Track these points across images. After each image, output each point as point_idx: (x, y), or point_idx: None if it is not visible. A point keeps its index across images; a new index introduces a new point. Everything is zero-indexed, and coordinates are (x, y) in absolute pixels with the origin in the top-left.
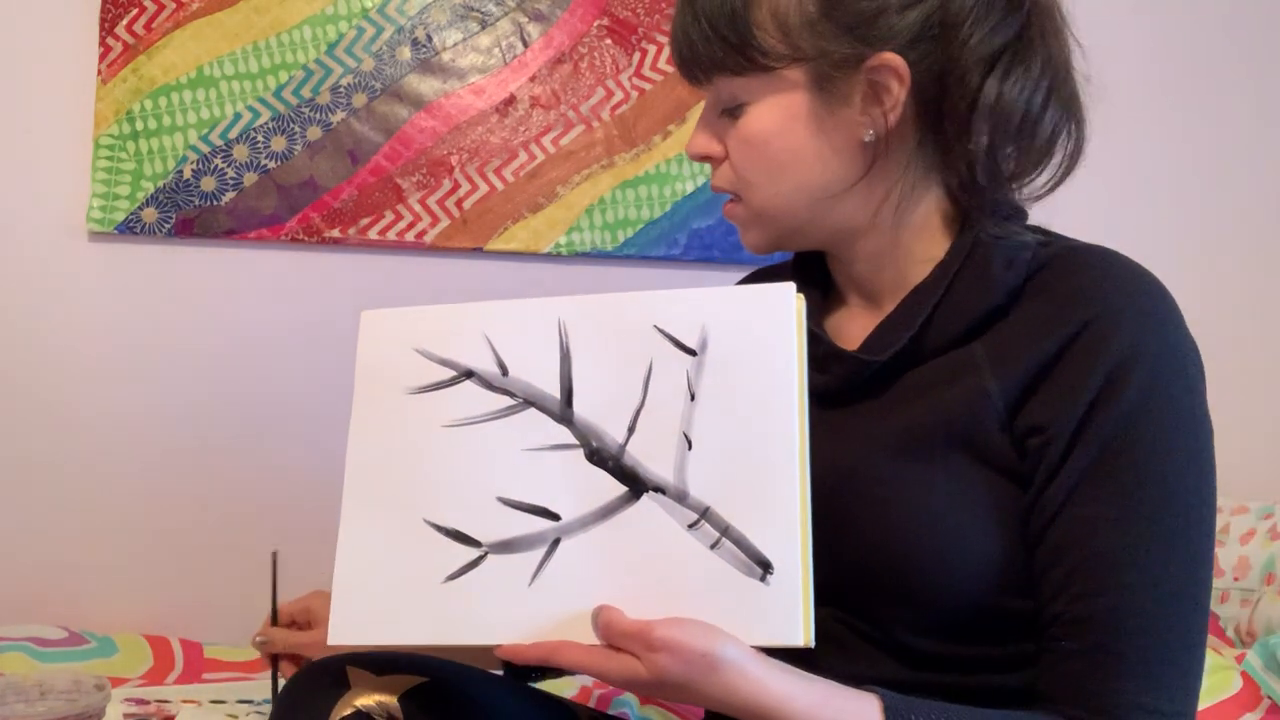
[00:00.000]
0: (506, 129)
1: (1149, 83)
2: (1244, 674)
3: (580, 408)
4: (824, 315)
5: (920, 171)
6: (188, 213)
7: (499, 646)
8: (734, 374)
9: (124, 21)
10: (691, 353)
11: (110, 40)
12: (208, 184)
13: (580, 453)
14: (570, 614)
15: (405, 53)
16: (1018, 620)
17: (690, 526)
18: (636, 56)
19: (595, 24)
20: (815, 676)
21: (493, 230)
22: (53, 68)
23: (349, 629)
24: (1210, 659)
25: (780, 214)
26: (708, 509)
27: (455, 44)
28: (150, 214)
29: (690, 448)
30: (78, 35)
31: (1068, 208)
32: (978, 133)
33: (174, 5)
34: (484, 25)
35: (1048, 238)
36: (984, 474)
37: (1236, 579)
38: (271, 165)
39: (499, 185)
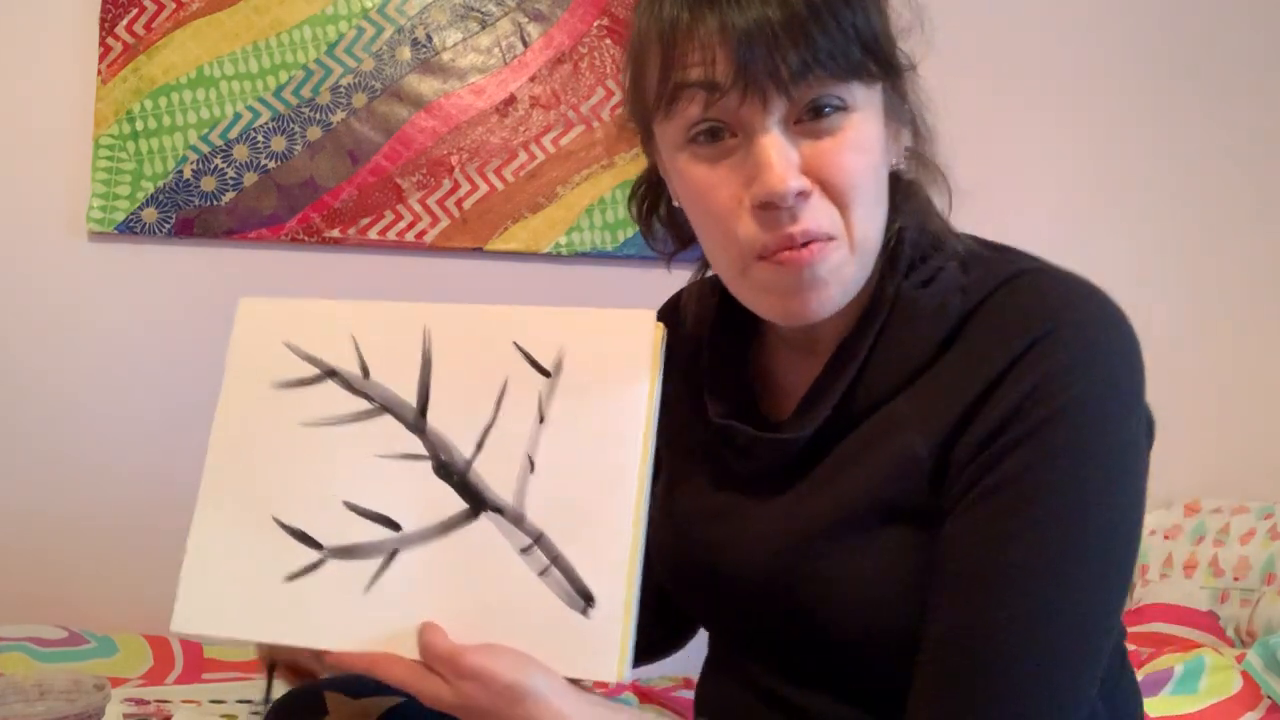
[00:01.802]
0: (506, 129)
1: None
2: (1244, 674)
3: (434, 419)
4: (761, 359)
5: None
6: (188, 213)
7: (328, 653)
8: (585, 401)
9: (124, 21)
10: (546, 374)
11: (110, 40)
12: (208, 184)
13: (429, 465)
14: (400, 627)
15: (405, 53)
16: None
17: (523, 551)
18: None
19: (595, 24)
20: (621, 706)
21: (493, 230)
22: (53, 68)
23: (192, 617)
24: (1210, 659)
25: (872, 242)
26: (542, 535)
27: (455, 44)
28: (150, 214)
29: (532, 471)
30: (78, 35)
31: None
32: (926, 154)
33: (174, 5)
34: (484, 25)
35: (979, 268)
36: (921, 536)
37: (1236, 579)
38: (271, 165)
39: (499, 185)
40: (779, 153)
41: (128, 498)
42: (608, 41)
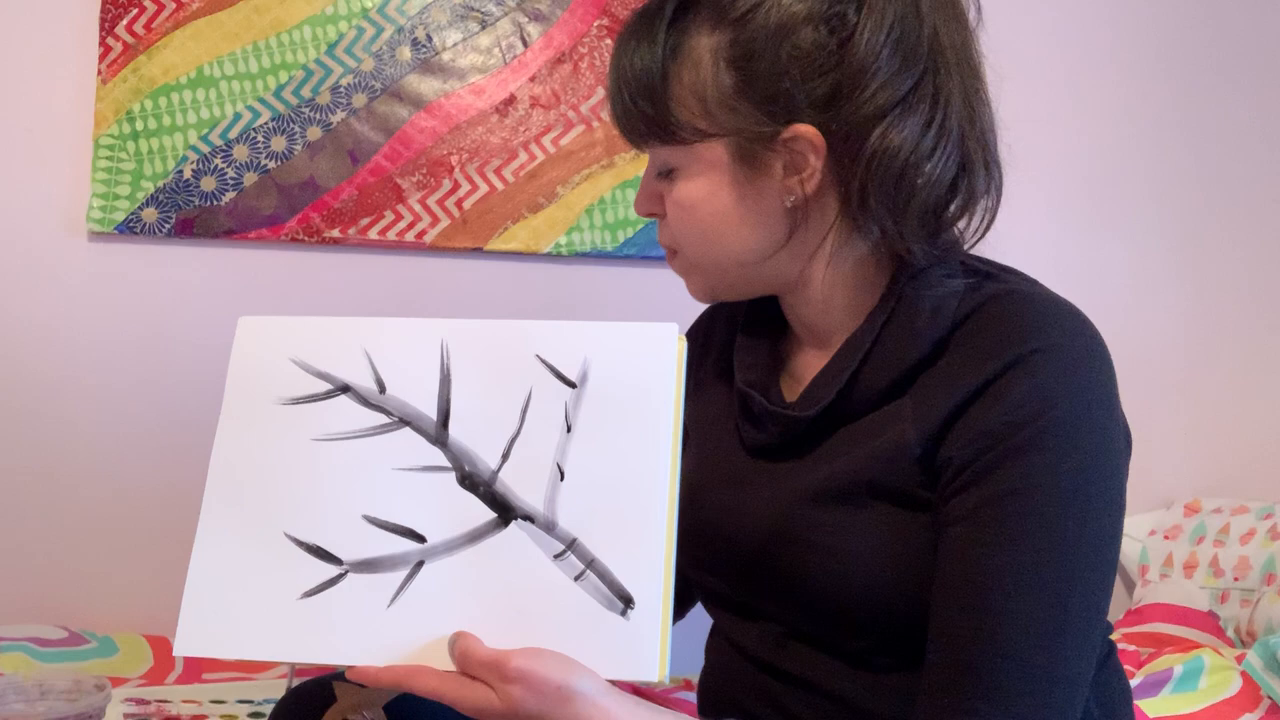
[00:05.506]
0: (506, 129)
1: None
2: (1244, 674)
3: (456, 431)
4: (786, 351)
5: (847, 228)
6: (188, 213)
7: (350, 668)
8: (611, 410)
9: (124, 21)
10: (571, 385)
11: (110, 40)
12: (208, 184)
13: (452, 476)
14: (428, 639)
15: (405, 53)
16: None
17: (556, 557)
18: None
19: (595, 24)
20: (665, 709)
21: (493, 230)
22: (53, 68)
23: (197, 638)
24: (1210, 659)
25: (713, 272)
26: (575, 540)
27: (455, 44)
28: (150, 214)
29: (562, 479)
30: (78, 35)
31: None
32: (872, 186)
33: (174, 5)
34: (484, 25)
35: (978, 279)
36: (904, 515)
37: (1236, 579)
38: (271, 165)
39: (499, 185)
40: (643, 184)
41: (127, 498)
42: (607, 41)
